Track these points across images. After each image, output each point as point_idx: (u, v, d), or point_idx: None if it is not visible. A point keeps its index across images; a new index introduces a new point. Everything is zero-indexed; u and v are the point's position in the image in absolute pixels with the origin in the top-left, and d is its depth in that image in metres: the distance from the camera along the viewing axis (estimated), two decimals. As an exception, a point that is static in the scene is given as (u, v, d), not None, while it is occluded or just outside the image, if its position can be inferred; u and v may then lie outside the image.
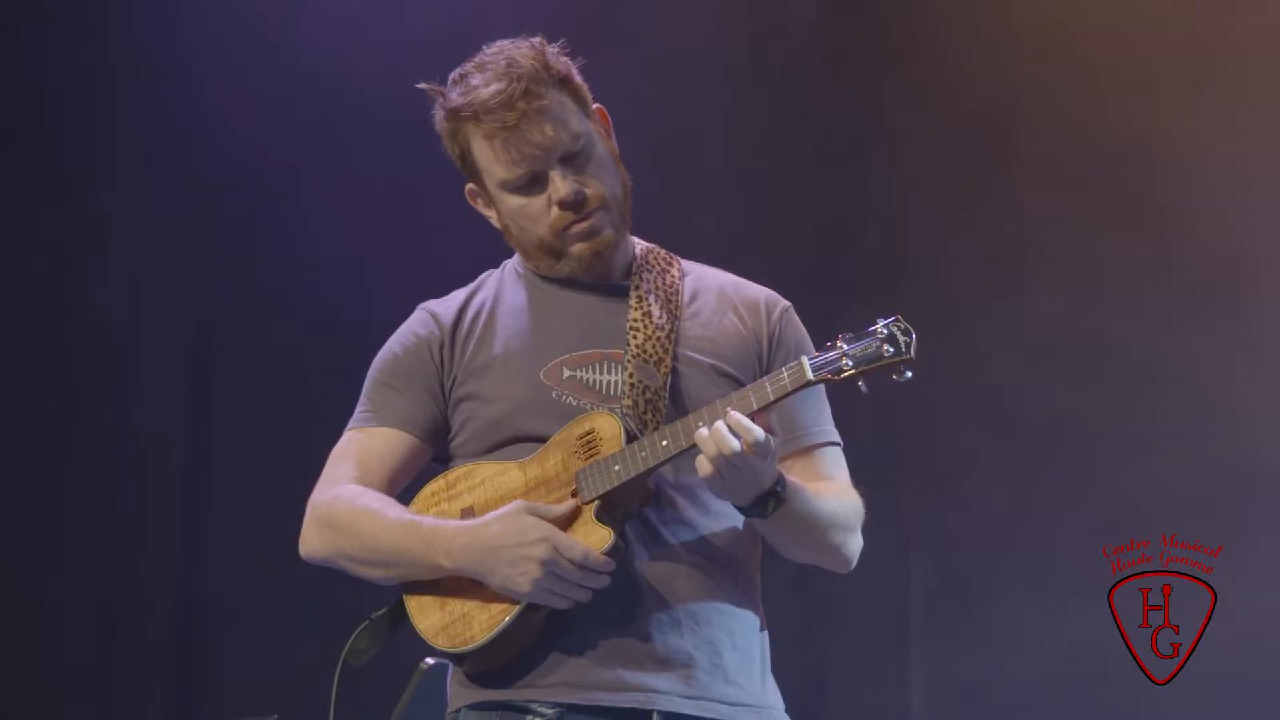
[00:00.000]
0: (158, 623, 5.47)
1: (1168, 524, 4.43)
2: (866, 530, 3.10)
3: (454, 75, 3.09)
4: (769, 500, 2.91)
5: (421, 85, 3.10)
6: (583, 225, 3.06)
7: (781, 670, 3.09)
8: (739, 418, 2.82)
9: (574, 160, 3.05)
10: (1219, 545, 4.21)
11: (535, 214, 3.07)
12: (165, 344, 5.54)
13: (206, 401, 5.53)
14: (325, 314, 5.42)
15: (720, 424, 2.82)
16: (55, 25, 5.54)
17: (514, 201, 3.08)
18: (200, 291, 5.58)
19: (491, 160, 3.06)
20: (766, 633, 3.08)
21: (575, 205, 3.05)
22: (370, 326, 3.36)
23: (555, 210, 3.05)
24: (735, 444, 2.81)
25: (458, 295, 3.21)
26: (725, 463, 2.82)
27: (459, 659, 2.99)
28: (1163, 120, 5.18)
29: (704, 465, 2.85)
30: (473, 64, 3.08)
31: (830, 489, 3.07)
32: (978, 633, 5.14)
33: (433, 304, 3.20)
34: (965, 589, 5.19)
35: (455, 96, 3.06)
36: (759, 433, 2.81)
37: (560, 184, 3.04)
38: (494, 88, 3.01)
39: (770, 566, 3.12)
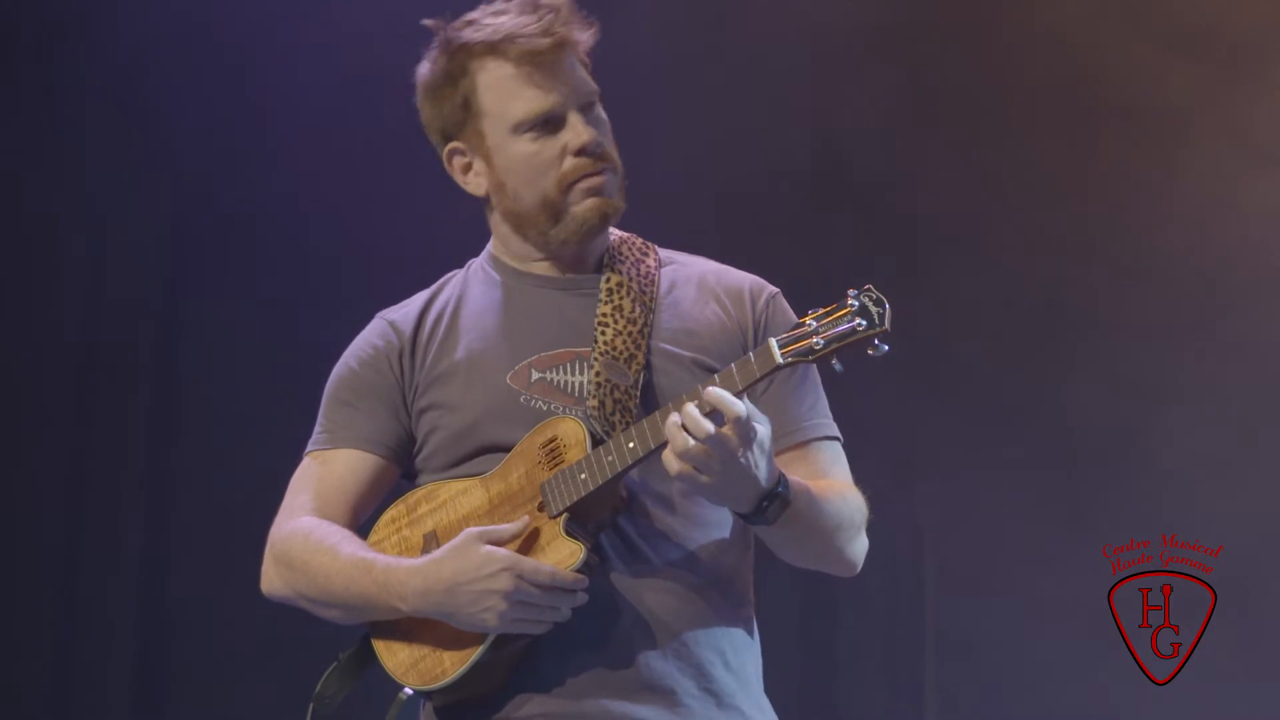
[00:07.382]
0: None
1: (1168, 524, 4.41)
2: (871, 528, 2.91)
3: (455, 24, 2.93)
4: (771, 503, 2.71)
5: (427, 22, 2.94)
6: (596, 180, 2.90)
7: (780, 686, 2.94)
8: (717, 392, 2.61)
9: (591, 112, 2.91)
10: (1219, 545, 4.20)
11: (545, 163, 2.89)
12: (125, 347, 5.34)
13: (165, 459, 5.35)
14: (288, 323, 5.22)
15: (690, 406, 2.62)
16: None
17: (525, 148, 2.90)
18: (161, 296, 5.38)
19: (511, 94, 2.88)
20: (759, 647, 2.92)
21: (596, 153, 2.89)
22: (331, 337, 3.18)
23: (570, 159, 2.89)
24: (709, 427, 2.60)
25: (417, 299, 3.04)
26: (703, 455, 2.61)
27: (430, 695, 2.86)
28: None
29: (672, 463, 2.64)
30: (480, 10, 2.93)
31: (832, 488, 2.87)
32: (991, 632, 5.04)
33: (390, 312, 3.04)
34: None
35: (469, 33, 2.90)
36: (739, 407, 2.60)
37: (582, 129, 2.89)
38: (525, 17, 2.88)
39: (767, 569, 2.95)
